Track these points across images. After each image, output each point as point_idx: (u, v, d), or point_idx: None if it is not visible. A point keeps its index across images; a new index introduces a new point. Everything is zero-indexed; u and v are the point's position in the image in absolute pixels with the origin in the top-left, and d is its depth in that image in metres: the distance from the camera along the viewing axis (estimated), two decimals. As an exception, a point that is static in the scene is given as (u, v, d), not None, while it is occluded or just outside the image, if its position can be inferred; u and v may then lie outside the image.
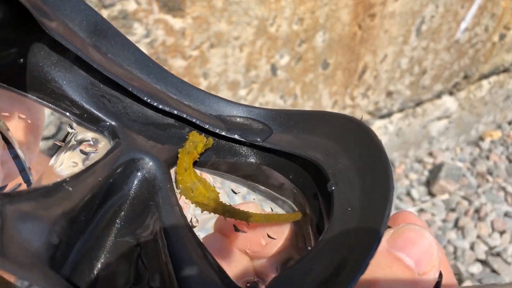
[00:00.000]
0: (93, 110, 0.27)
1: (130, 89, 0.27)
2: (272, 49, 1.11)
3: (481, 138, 1.95)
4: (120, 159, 0.25)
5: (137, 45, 0.92)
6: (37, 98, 0.27)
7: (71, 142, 0.29)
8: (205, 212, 0.28)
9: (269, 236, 0.30)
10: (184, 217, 0.25)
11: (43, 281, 0.17)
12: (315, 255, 0.22)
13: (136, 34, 0.91)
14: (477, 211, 1.54)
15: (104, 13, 0.86)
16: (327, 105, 1.34)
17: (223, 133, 0.28)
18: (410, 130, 1.66)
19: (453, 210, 1.55)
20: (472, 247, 1.41)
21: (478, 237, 1.44)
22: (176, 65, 0.99)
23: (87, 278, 0.22)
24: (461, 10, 1.43)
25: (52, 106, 0.27)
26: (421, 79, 1.53)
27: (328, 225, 0.23)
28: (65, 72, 0.27)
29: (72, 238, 0.21)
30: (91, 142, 0.29)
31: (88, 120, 0.27)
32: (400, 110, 1.57)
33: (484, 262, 1.37)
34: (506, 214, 1.53)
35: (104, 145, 0.28)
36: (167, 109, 0.27)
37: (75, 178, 0.22)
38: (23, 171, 0.29)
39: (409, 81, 1.49)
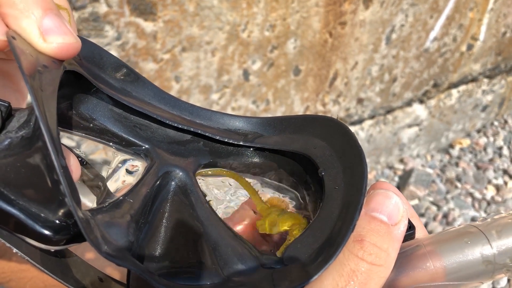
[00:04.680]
0: (130, 138, 0.35)
1: (155, 116, 0.34)
2: (244, 54, 1.13)
3: (451, 146, 2.00)
4: (157, 173, 0.33)
5: (108, 47, 0.93)
6: (85, 135, 0.35)
7: (117, 165, 0.36)
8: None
9: None
10: (213, 210, 0.32)
11: (131, 265, 0.24)
12: (317, 224, 0.29)
13: (107, 37, 0.92)
14: (445, 216, 1.57)
15: (75, 15, 0.86)
16: (299, 111, 1.36)
17: (231, 141, 0.36)
18: (381, 137, 1.69)
19: (422, 215, 1.58)
20: (439, 251, 1.44)
21: (446, 241, 1.48)
22: (147, 68, 1.00)
23: (150, 259, 0.29)
24: (430, 20, 1.47)
25: (97, 139, 0.35)
26: (391, 87, 1.56)
27: (322, 201, 0.30)
28: (104, 111, 0.35)
29: (138, 234, 0.29)
30: (133, 163, 0.36)
31: (127, 146, 0.35)
32: (371, 117, 1.61)
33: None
34: (473, 219, 1.57)
35: (142, 164, 0.35)
36: (185, 128, 0.35)
37: (131, 192, 0.30)
38: None
39: (379, 88, 1.53)
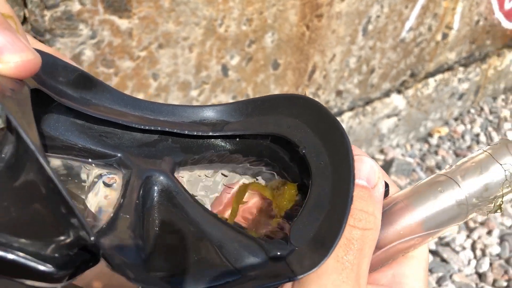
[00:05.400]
0: (99, 149, 0.33)
1: (119, 121, 0.32)
2: (222, 49, 1.12)
3: (430, 135, 2.02)
4: (139, 181, 0.31)
5: (83, 46, 0.91)
6: (52, 154, 0.32)
7: (93, 180, 0.34)
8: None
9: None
10: (204, 207, 0.31)
11: (159, 285, 0.24)
12: (313, 202, 0.28)
13: (82, 36, 0.90)
14: (427, 204, 1.59)
15: (47, 14, 0.84)
16: (279, 105, 1.36)
17: (200, 134, 0.34)
18: (360, 128, 1.70)
19: (404, 204, 1.60)
20: (423, 239, 1.46)
21: (428, 229, 1.49)
22: (124, 66, 0.98)
23: (161, 271, 0.27)
24: (405, 10, 1.48)
25: (66, 157, 0.33)
26: (369, 78, 1.57)
27: (311, 178, 0.29)
28: (66, 126, 0.33)
29: (145, 249, 0.28)
30: (108, 176, 0.34)
31: (97, 158, 0.33)
32: (350, 108, 1.61)
33: (434, 252, 1.41)
34: (454, 206, 1.59)
35: (118, 174, 0.33)
36: (152, 128, 0.33)
37: (122, 206, 0.29)
38: None
39: (357, 80, 1.53)
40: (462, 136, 2.00)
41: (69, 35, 0.89)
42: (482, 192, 0.30)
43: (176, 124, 0.34)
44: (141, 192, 0.30)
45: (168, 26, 1.00)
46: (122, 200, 0.29)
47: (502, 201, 0.30)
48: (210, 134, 0.34)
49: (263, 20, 1.15)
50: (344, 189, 0.27)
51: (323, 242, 0.26)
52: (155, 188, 0.31)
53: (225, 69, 1.16)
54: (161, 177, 0.31)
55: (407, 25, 1.54)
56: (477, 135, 2.01)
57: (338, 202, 0.27)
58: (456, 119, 2.11)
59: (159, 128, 0.33)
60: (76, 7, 0.87)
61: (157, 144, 0.35)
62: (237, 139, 0.36)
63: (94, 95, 0.33)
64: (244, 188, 0.35)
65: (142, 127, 0.33)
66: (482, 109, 2.17)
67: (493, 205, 0.30)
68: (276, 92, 1.32)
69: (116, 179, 0.33)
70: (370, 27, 1.42)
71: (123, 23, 0.93)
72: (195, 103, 1.17)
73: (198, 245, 0.29)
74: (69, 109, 0.31)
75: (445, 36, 1.71)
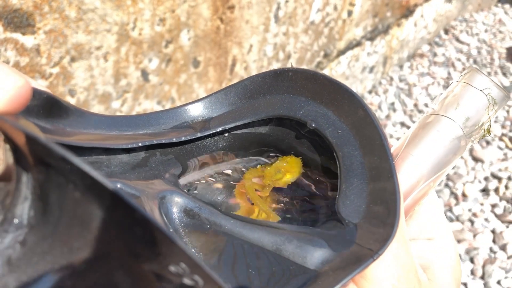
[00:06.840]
0: None
1: (103, 146, 0.28)
2: (139, 54, 1.06)
3: (349, 110, 2.08)
4: (157, 209, 0.27)
5: (-14, 70, 0.82)
6: None
7: None
8: None
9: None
10: (233, 214, 0.28)
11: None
12: (347, 173, 0.26)
13: (-18, 59, 0.81)
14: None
15: None
16: (205, 103, 1.33)
17: (188, 138, 0.30)
18: (287, 114, 1.71)
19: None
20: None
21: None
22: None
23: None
24: (311, -8, 1.51)
25: None
26: (287, 64, 1.58)
27: (334, 150, 0.27)
28: None
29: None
30: None
31: None
32: (274, 96, 1.62)
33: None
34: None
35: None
36: (139, 145, 0.29)
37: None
38: None
39: (277, 67, 1.54)
40: (379, 107, 2.08)
41: None
42: (472, 120, 0.31)
43: (159, 134, 0.30)
44: (163, 216, 0.26)
45: (78, 37, 0.93)
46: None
47: (490, 124, 0.32)
48: (198, 135, 0.31)
49: (177, 18, 1.11)
50: (378, 149, 0.25)
51: (383, 208, 0.24)
52: (174, 210, 0.27)
53: (145, 74, 1.11)
54: (173, 196, 0.27)
55: (315, 7, 1.56)
56: (392, 103, 2.11)
57: (377, 164, 0.25)
58: (370, 92, 2.19)
59: (146, 143, 0.29)
60: (-30, 28, 0.77)
61: (148, 162, 0.31)
62: (227, 134, 0.32)
63: (65, 120, 0.28)
64: (250, 183, 0.32)
65: (126, 146, 0.28)
66: (392, 78, 2.27)
67: (482, 130, 0.32)
68: (201, 90, 1.28)
69: None
70: (281, 13, 1.43)
71: (28, 40, 0.85)
72: (119, 114, 1.10)
73: (252, 257, 0.25)
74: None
75: (350, 13, 1.76)
